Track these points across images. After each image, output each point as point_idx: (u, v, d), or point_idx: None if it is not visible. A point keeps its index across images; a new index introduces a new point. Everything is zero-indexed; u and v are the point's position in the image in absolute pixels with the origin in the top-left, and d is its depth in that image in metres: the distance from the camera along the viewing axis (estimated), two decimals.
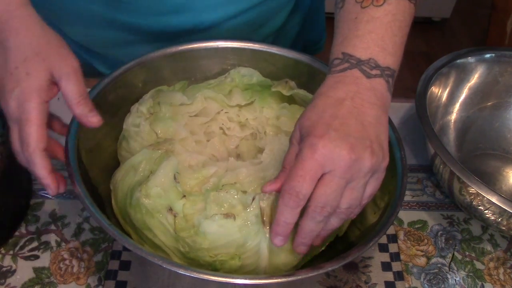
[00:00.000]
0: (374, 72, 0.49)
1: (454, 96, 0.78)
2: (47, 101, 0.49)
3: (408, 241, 0.67)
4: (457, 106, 0.79)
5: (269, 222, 0.51)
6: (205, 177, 0.56)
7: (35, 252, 0.63)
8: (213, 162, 0.60)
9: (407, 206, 0.71)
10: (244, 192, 0.52)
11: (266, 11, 0.77)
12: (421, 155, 0.77)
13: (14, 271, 0.61)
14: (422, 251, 0.67)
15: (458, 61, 0.75)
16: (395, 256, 0.65)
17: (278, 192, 0.49)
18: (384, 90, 0.49)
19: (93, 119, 0.51)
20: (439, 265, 0.65)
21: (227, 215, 0.51)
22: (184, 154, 0.59)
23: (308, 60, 0.68)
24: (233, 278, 0.47)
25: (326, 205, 0.45)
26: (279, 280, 0.48)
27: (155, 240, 0.53)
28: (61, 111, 0.56)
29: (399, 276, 0.63)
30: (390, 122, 0.55)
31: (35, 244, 0.64)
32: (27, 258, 0.62)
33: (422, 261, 0.66)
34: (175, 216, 0.52)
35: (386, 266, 0.64)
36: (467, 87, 0.78)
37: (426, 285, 0.63)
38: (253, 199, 0.51)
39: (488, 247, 0.68)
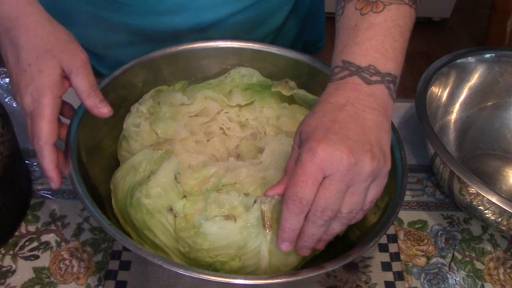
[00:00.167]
0: (374, 78, 0.49)
1: (454, 96, 0.78)
2: (60, 96, 0.52)
3: (408, 241, 0.67)
4: (457, 106, 0.79)
5: (270, 225, 0.51)
6: (205, 177, 0.56)
7: (35, 252, 0.63)
8: (213, 162, 0.60)
9: (407, 206, 0.71)
10: (247, 194, 0.52)
11: (264, 10, 0.77)
12: (421, 155, 0.77)
13: (14, 271, 0.61)
14: (422, 251, 0.67)
15: (458, 61, 0.75)
16: (395, 256, 0.65)
17: (281, 196, 0.49)
18: (385, 95, 0.49)
19: (104, 110, 0.53)
20: (439, 265, 0.65)
21: (228, 217, 0.51)
22: (184, 154, 0.59)
23: (308, 60, 0.68)
24: (233, 278, 0.47)
25: (326, 209, 0.45)
26: (279, 280, 0.48)
27: (155, 240, 0.53)
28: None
29: (399, 276, 0.63)
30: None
31: (35, 244, 0.64)
32: (27, 258, 0.62)
33: (422, 261, 0.66)
34: (175, 216, 0.52)
35: (386, 266, 0.64)
36: (467, 87, 0.78)
37: (426, 285, 0.63)
38: (255, 201, 0.51)
39: (488, 247, 0.68)
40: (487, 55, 0.76)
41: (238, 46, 0.69)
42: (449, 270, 0.65)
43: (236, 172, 0.56)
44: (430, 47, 2.25)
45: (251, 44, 0.69)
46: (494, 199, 0.58)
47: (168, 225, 0.52)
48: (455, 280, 0.64)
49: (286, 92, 0.65)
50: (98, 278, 0.61)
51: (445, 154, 0.62)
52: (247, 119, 0.66)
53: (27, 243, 0.64)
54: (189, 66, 0.69)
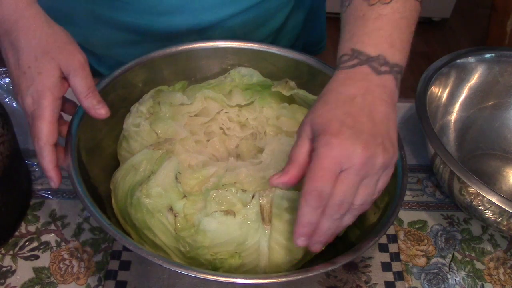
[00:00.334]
0: (383, 68, 0.50)
1: (454, 96, 0.78)
2: (60, 97, 0.52)
3: (408, 241, 0.67)
4: (457, 106, 0.79)
5: (269, 219, 0.51)
6: (205, 177, 0.56)
7: (35, 252, 0.63)
8: (213, 162, 0.60)
9: (407, 206, 0.71)
10: (244, 190, 0.52)
11: (264, 12, 0.77)
12: (421, 155, 0.77)
13: (14, 271, 0.61)
14: (422, 251, 0.67)
15: (458, 61, 0.75)
16: (395, 256, 0.65)
17: (286, 185, 0.48)
18: (393, 86, 0.50)
19: (101, 111, 0.54)
20: (439, 265, 0.65)
21: (227, 212, 0.51)
22: (184, 154, 0.59)
23: (308, 60, 0.68)
24: (233, 277, 0.47)
25: (343, 203, 0.46)
26: (279, 280, 0.48)
27: (156, 240, 0.53)
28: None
29: (399, 276, 0.63)
30: None
31: (35, 244, 0.64)
32: (27, 258, 0.62)
33: (422, 261, 0.66)
34: (175, 216, 0.52)
35: (386, 266, 0.64)
36: (467, 87, 0.78)
37: (426, 285, 0.63)
38: (253, 196, 0.51)
39: (488, 247, 0.68)
40: (487, 55, 0.76)
41: (238, 46, 0.69)
42: (449, 270, 0.65)
43: (236, 172, 0.56)
44: (430, 47, 2.25)
45: (251, 44, 0.69)
46: (494, 199, 0.58)
47: (168, 225, 0.52)
48: (455, 280, 0.64)
49: (286, 92, 0.65)
50: (98, 278, 0.61)
51: (445, 154, 0.62)
52: (247, 119, 0.66)
53: (27, 243, 0.64)
54: (189, 66, 0.69)
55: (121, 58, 0.67)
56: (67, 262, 0.62)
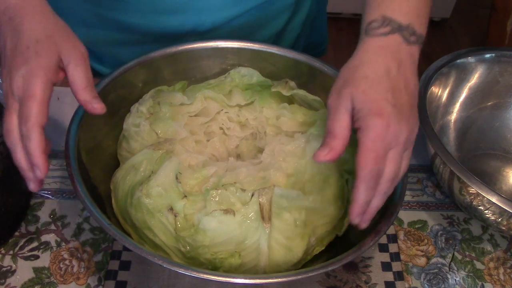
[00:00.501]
0: (412, 39, 0.50)
1: (454, 96, 0.78)
2: (53, 82, 0.50)
3: (408, 241, 0.67)
4: (457, 106, 0.79)
5: (268, 218, 0.51)
6: (205, 177, 0.56)
7: (35, 252, 0.63)
8: (213, 162, 0.60)
9: (407, 206, 0.71)
10: (244, 190, 0.52)
11: (266, 14, 0.77)
12: (421, 155, 0.77)
13: (14, 271, 0.61)
14: (422, 251, 0.67)
15: (458, 61, 0.75)
16: (395, 256, 0.65)
17: (278, 186, 0.48)
18: (418, 57, 0.51)
19: (97, 106, 0.51)
20: (439, 265, 0.65)
21: (227, 211, 0.51)
22: (184, 154, 0.59)
23: (308, 60, 0.68)
24: (233, 277, 0.47)
25: (394, 178, 0.48)
26: (278, 280, 0.48)
27: (156, 240, 0.53)
28: (60, 112, 0.56)
29: (399, 276, 0.63)
30: None
31: (35, 244, 0.64)
32: (27, 258, 0.62)
33: (422, 261, 0.66)
34: (175, 216, 0.52)
35: (386, 266, 0.64)
36: (467, 87, 0.78)
37: (426, 285, 0.63)
38: (252, 195, 0.51)
39: (488, 247, 0.68)
40: (487, 55, 0.76)
41: (238, 46, 0.69)
42: (449, 270, 0.65)
43: (236, 172, 0.56)
44: (430, 47, 2.25)
45: (251, 44, 0.69)
46: (494, 199, 0.58)
47: (169, 225, 0.52)
48: (455, 280, 0.64)
49: (286, 92, 0.65)
50: (98, 278, 0.61)
51: (445, 154, 0.62)
52: (247, 119, 0.66)
53: (27, 243, 0.64)
54: (189, 66, 0.69)
55: (121, 58, 0.67)
56: (67, 262, 0.62)
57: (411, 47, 0.50)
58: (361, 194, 0.47)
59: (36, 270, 0.61)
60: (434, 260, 0.66)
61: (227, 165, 0.58)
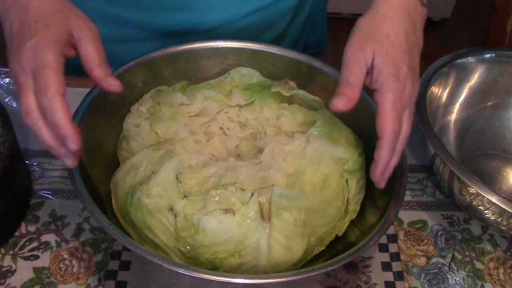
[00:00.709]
0: (425, 1, 0.53)
1: (454, 96, 0.78)
2: (64, 55, 0.46)
3: (408, 241, 0.67)
4: (457, 106, 0.79)
5: (268, 217, 0.51)
6: (205, 177, 0.56)
7: (35, 252, 0.63)
8: (213, 162, 0.60)
9: (407, 206, 0.71)
10: (243, 190, 0.52)
11: (271, 16, 0.77)
12: (421, 155, 0.77)
13: (14, 271, 0.61)
14: (422, 251, 0.67)
15: (458, 61, 0.75)
16: (395, 256, 0.65)
17: (277, 186, 0.48)
18: (425, 19, 0.55)
19: (113, 82, 0.49)
20: (439, 265, 0.65)
21: (227, 211, 0.51)
22: (184, 154, 0.59)
23: (308, 60, 0.68)
24: (233, 277, 0.47)
25: (407, 138, 0.52)
26: (279, 280, 0.48)
27: (156, 240, 0.53)
28: None
29: (399, 276, 0.63)
30: None
31: (35, 244, 0.64)
32: (27, 258, 0.62)
33: (422, 261, 0.66)
34: (175, 216, 0.52)
35: (386, 266, 0.64)
36: (467, 87, 0.78)
37: (426, 285, 0.63)
38: (252, 194, 0.51)
39: (488, 247, 0.68)
40: (487, 55, 0.76)
41: (238, 46, 0.69)
42: (449, 270, 0.65)
43: (235, 172, 0.56)
44: (430, 47, 2.25)
45: (251, 44, 0.69)
46: (494, 199, 0.58)
47: (169, 225, 0.52)
48: (455, 280, 0.64)
49: (286, 92, 0.65)
50: (98, 278, 0.61)
51: (445, 154, 0.62)
52: (247, 119, 0.66)
53: (27, 243, 0.64)
54: (189, 66, 0.69)
55: (123, 55, 0.67)
56: (67, 262, 0.62)
57: (423, 9, 0.53)
58: (385, 154, 0.50)
59: (36, 270, 0.61)
60: (434, 260, 0.66)
61: (227, 165, 0.58)
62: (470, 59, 0.76)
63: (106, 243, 0.64)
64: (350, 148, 0.59)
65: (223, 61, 0.70)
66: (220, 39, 0.69)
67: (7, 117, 0.62)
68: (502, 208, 0.57)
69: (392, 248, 0.66)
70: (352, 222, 0.60)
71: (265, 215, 0.51)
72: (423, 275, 0.64)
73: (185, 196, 0.53)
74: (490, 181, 0.75)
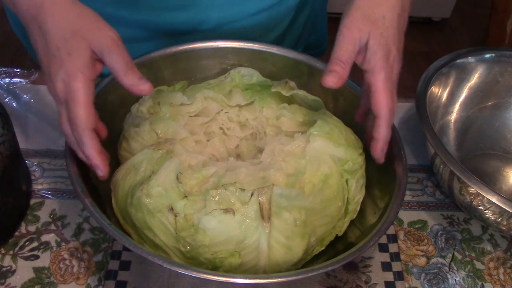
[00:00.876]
0: None
1: (454, 96, 0.78)
2: (92, 79, 0.50)
3: (408, 241, 0.67)
4: (457, 106, 0.79)
5: (268, 217, 0.51)
6: (205, 177, 0.56)
7: (35, 252, 0.63)
8: (213, 162, 0.60)
9: (407, 206, 0.71)
10: (243, 189, 0.52)
11: (274, 16, 0.77)
12: (421, 155, 0.77)
13: (14, 271, 0.61)
14: (422, 251, 0.67)
15: (458, 61, 0.75)
16: (395, 256, 0.65)
17: (277, 186, 0.48)
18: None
19: (143, 87, 0.51)
20: (439, 265, 0.65)
21: (227, 210, 0.51)
22: (184, 154, 0.59)
23: (308, 60, 0.68)
24: (233, 277, 0.47)
25: (395, 113, 0.54)
26: (279, 279, 0.48)
27: (156, 240, 0.53)
28: None
29: (399, 276, 0.63)
30: None
31: (35, 244, 0.64)
32: (27, 258, 0.62)
33: (422, 261, 0.66)
34: (176, 216, 0.52)
35: (386, 266, 0.64)
36: (467, 87, 0.78)
37: (426, 285, 0.63)
38: (252, 194, 0.51)
39: (488, 247, 0.68)
40: (487, 55, 0.76)
41: (238, 46, 0.69)
42: (449, 270, 0.65)
43: (235, 172, 0.56)
44: (430, 47, 2.25)
45: (251, 44, 0.69)
46: (494, 199, 0.58)
47: (169, 225, 0.52)
48: (455, 280, 0.64)
49: (286, 93, 0.65)
50: (98, 278, 0.61)
51: (445, 154, 0.62)
52: (247, 119, 0.66)
53: (27, 243, 0.64)
54: (189, 66, 0.69)
55: None
56: (67, 262, 0.62)
57: None
58: (385, 131, 0.53)
59: (36, 270, 0.61)
60: (434, 260, 0.66)
61: (227, 165, 0.58)
62: (470, 59, 0.76)
63: (106, 243, 0.64)
64: (350, 148, 0.59)
65: (223, 61, 0.70)
66: (220, 39, 0.69)
67: (7, 117, 0.62)
68: (502, 208, 0.57)
69: (392, 248, 0.66)
70: (352, 222, 0.60)
71: (265, 215, 0.51)
72: (423, 275, 0.64)
73: (185, 196, 0.53)
74: (490, 181, 0.75)
